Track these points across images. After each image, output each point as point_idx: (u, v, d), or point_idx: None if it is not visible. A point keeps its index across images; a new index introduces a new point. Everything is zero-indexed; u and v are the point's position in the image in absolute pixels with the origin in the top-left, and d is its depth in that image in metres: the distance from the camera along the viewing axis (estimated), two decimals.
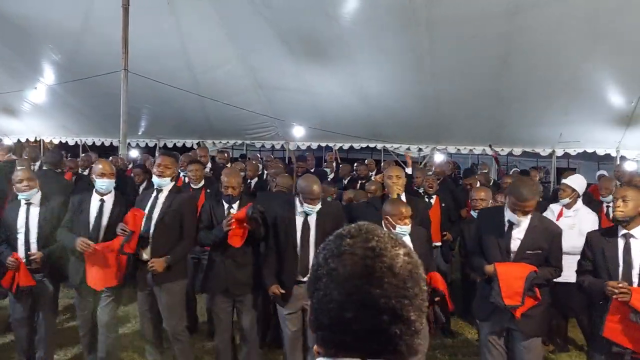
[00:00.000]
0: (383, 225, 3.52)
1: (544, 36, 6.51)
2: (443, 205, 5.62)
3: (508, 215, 3.37)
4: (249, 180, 7.11)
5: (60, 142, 12.18)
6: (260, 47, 8.08)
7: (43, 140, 12.32)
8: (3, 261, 3.86)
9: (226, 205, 3.99)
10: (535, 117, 8.28)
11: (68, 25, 8.16)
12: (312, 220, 3.79)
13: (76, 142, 12.33)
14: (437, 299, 3.44)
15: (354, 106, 8.89)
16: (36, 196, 3.96)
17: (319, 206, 3.74)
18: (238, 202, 3.97)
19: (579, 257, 3.47)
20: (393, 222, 3.48)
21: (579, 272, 3.43)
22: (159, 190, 3.97)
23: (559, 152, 9.41)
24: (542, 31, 6.44)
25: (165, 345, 4.19)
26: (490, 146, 9.41)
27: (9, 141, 12.00)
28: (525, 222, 3.36)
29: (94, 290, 3.90)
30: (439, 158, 9.83)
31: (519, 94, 7.69)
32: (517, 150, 9.71)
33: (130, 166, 7.53)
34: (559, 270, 3.45)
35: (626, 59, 6.71)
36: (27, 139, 12.46)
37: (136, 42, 7.34)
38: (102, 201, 3.94)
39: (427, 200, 5.53)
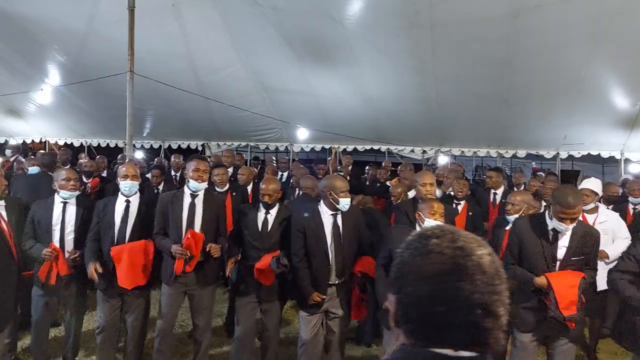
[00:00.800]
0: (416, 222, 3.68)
1: (546, 38, 6.51)
2: (470, 213, 5.40)
3: (553, 224, 3.30)
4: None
5: (66, 143, 12.23)
6: (265, 50, 8.11)
7: (48, 141, 12.38)
8: (34, 255, 3.90)
9: (263, 211, 4.04)
10: (539, 119, 8.27)
11: (73, 27, 8.20)
12: (339, 222, 3.87)
13: (81, 143, 12.40)
14: None
15: (357, 108, 8.91)
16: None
17: (348, 200, 3.82)
18: (277, 207, 4.07)
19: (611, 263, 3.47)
20: (424, 217, 3.55)
21: (621, 271, 3.35)
22: (195, 195, 4.00)
23: (563, 154, 9.40)
24: (545, 33, 6.43)
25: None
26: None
27: (13, 142, 12.11)
28: (569, 229, 3.29)
29: (121, 293, 3.98)
30: (442, 160, 9.84)
31: (523, 96, 7.69)
32: (522, 153, 9.71)
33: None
34: (595, 272, 3.46)
35: (630, 61, 6.69)
36: (33, 140, 12.54)
37: (141, 44, 7.36)
38: (128, 202, 4.03)
39: (454, 206, 5.38)
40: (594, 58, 6.70)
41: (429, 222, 3.48)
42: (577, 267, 3.30)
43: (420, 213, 3.62)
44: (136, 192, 4.10)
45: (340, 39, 7.32)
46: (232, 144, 11.49)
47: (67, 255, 3.95)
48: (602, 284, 4.08)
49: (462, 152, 10.19)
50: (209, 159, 6.24)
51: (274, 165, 8.55)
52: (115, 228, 3.95)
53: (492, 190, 6.28)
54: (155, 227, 3.98)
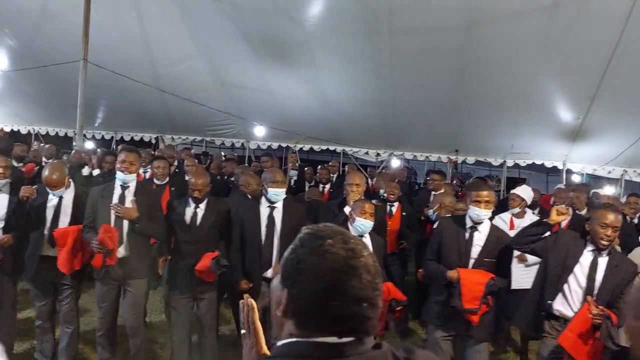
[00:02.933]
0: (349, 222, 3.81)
1: (498, 50, 6.78)
2: (404, 214, 5.62)
3: (470, 213, 3.55)
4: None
5: (12, 130, 11.75)
6: (224, 45, 8.08)
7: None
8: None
9: (193, 205, 4.03)
10: (489, 128, 8.58)
11: (26, 9, 7.93)
12: (278, 215, 3.96)
13: (29, 130, 11.94)
14: (398, 308, 3.60)
15: (315, 109, 9.00)
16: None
17: (283, 190, 3.92)
18: (206, 201, 4.05)
19: (531, 266, 3.65)
20: (354, 216, 3.70)
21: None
22: (125, 187, 3.93)
23: (510, 163, 9.78)
24: (497, 45, 6.70)
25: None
26: (456, 151, 9.63)
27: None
28: (485, 229, 3.53)
29: (53, 283, 3.93)
30: (395, 163, 10.05)
31: (474, 104, 7.96)
32: (471, 159, 10.03)
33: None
34: (508, 281, 3.66)
35: (575, 76, 7.03)
36: None
37: (97, 32, 7.20)
38: (61, 198, 3.97)
39: (388, 208, 5.57)
40: (542, 71, 7.02)
41: (360, 221, 3.71)
42: (489, 268, 3.49)
43: (352, 212, 3.81)
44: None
45: (299, 39, 7.39)
46: (187, 137, 11.36)
47: None
48: (518, 283, 4.36)
49: (415, 156, 10.43)
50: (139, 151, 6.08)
51: (221, 160, 8.43)
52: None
53: (433, 192, 6.51)
54: (85, 220, 3.89)
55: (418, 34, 6.81)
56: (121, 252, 3.86)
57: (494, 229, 3.63)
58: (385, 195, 5.73)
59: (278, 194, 3.95)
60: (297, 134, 9.51)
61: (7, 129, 11.76)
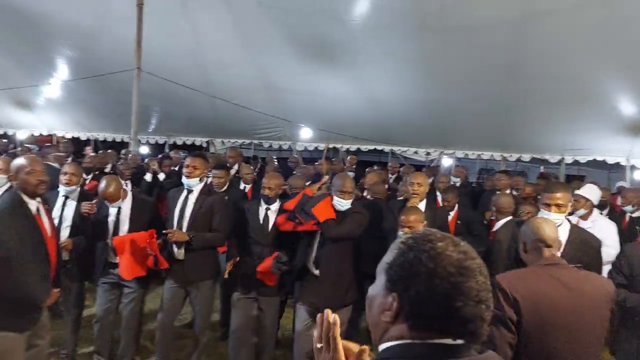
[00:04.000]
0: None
1: (553, 44, 6.50)
2: (459, 222, 5.30)
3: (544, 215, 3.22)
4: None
5: (73, 137, 12.34)
6: (271, 49, 8.15)
7: (55, 134, 12.49)
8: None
9: (264, 206, 4.08)
10: (544, 124, 8.25)
11: (84, 22, 8.30)
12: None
13: (88, 137, 12.50)
14: None
15: (362, 109, 8.94)
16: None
17: (349, 202, 3.77)
18: (277, 203, 4.10)
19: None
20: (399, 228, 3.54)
21: None
22: (190, 191, 4.05)
23: (568, 159, 9.36)
24: (552, 39, 6.44)
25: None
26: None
27: (22, 134, 12.24)
28: (563, 235, 3.14)
29: (118, 285, 4.06)
30: (447, 162, 9.84)
31: (528, 100, 7.68)
32: (526, 157, 9.69)
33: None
34: None
35: (636, 68, 6.69)
36: (41, 133, 12.66)
37: (149, 41, 7.44)
38: (119, 207, 4.07)
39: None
40: (601, 64, 6.69)
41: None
42: None
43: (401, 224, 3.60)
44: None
45: (346, 39, 7.35)
46: (235, 141, 11.55)
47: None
48: None
49: (466, 154, 10.18)
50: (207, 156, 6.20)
51: (275, 163, 8.55)
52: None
53: (497, 192, 6.25)
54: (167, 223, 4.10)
55: (469, 30, 6.63)
56: (181, 254, 3.97)
57: (575, 232, 3.27)
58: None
59: (343, 204, 3.76)
60: (342, 134, 9.44)
61: (68, 136, 12.35)
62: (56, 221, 3.90)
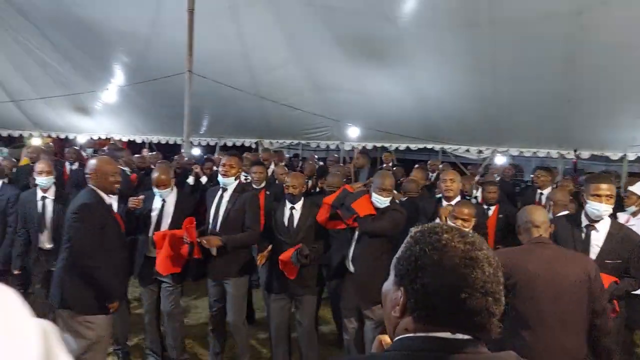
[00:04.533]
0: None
1: (612, 36, 6.16)
2: (500, 216, 5.21)
3: (588, 210, 3.27)
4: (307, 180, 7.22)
5: (129, 140, 12.81)
6: (318, 49, 8.16)
7: (113, 137, 13.00)
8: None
9: (289, 205, 4.11)
10: (605, 119, 7.83)
11: (138, 29, 8.59)
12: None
13: (143, 140, 12.93)
14: None
15: (410, 107, 8.80)
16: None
17: (387, 200, 3.80)
18: (301, 201, 4.13)
19: None
20: (449, 221, 3.49)
21: None
22: (224, 189, 4.15)
23: (631, 156, 8.86)
24: (610, 31, 6.10)
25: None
26: (575, 151, 8.95)
27: (81, 138, 12.80)
28: (604, 228, 3.22)
29: (158, 281, 4.18)
30: (500, 160, 9.54)
31: (587, 95, 7.31)
32: (585, 154, 9.24)
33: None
34: (636, 282, 3.25)
35: None
36: (99, 137, 13.21)
37: (199, 45, 7.60)
38: (164, 201, 4.22)
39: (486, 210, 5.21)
40: None
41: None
42: (613, 272, 3.11)
43: (447, 217, 3.58)
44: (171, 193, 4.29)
45: (393, 37, 7.25)
46: (284, 141, 11.63)
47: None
48: None
49: (521, 152, 9.82)
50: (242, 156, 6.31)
51: (313, 164, 8.50)
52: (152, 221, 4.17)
53: (539, 190, 6.07)
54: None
55: (521, 23, 6.39)
56: (214, 251, 4.03)
57: (616, 226, 3.26)
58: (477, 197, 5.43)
59: (381, 202, 3.78)
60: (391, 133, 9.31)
61: (125, 139, 12.84)
62: None
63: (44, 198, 4.59)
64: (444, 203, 4.30)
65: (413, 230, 1.10)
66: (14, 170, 6.51)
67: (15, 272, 4.63)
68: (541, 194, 6.03)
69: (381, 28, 7.18)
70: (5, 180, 5.15)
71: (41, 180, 4.52)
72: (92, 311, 3.26)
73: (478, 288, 0.98)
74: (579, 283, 2.56)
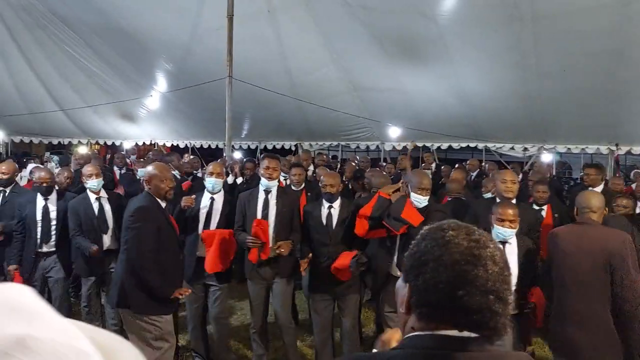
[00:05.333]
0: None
1: None
2: (556, 215, 5.08)
3: None
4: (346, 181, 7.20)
5: (172, 145, 13.11)
6: (356, 49, 8.12)
7: (157, 143, 13.34)
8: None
9: (327, 204, 4.10)
10: None
11: (178, 37, 8.77)
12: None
13: (186, 144, 13.21)
14: (526, 310, 3.30)
15: (452, 105, 8.64)
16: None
17: (426, 199, 3.75)
18: (338, 201, 4.12)
19: None
20: (493, 222, 3.39)
21: None
22: (268, 192, 4.16)
23: None
24: None
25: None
26: (617, 145, 8.59)
27: (127, 144, 13.17)
28: None
29: (205, 285, 4.24)
30: (547, 158, 9.24)
31: (636, 88, 7.01)
32: (637, 149, 8.84)
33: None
34: None
35: None
36: (144, 142, 13.58)
37: (239, 50, 7.69)
38: (212, 199, 4.29)
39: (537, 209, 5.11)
40: None
41: (497, 229, 3.33)
42: None
43: (493, 217, 3.43)
44: (220, 190, 4.36)
45: (433, 35, 7.14)
46: (323, 143, 11.64)
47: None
48: None
49: (568, 149, 9.49)
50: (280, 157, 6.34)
51: (354, 165, 8.44)
52: (199, 223, 4.23)
53: (590, 188, 5.83)
54: (235, 224, 4.17)
55: (565, 16, 6.19)
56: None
57: None
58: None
59: (420, 201, 3.74)
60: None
61: (168, 144, 13.14)
62: None
63: (99, 199, 4.71)
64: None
65: (426, 227, 1.10)
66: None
67: (92, 279, 4.74)
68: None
69: (420, 26, 7.08)
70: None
71: (91, 183, 4.66)
72: (150, 312, 3.34)
73: (478, 286, 0.97)
74: (601, 256, 2.91)
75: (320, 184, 4.28)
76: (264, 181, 4.15)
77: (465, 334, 0.98)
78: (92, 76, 10.78)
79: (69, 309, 4.99)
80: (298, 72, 8.97)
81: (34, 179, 5.15)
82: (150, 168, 3.64)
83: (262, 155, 4.48)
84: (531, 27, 6.49)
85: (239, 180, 6.89)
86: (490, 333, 0.99)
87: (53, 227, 4.78)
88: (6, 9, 9.33)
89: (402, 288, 1.09)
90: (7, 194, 5.12)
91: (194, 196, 4.30)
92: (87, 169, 4.78)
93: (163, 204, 3.56)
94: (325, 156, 9.34)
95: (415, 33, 7.26)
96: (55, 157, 11.68)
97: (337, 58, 8.56)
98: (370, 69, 8.49)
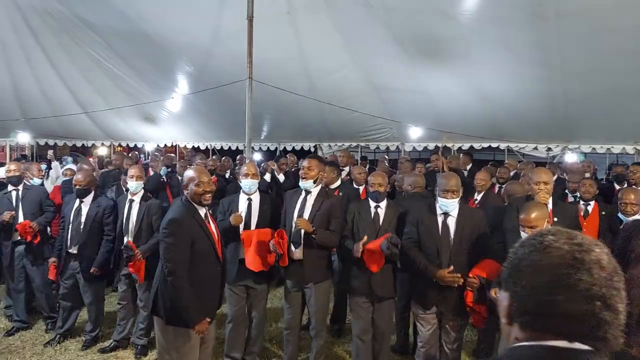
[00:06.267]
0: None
1: None
2: (603, 213, 4.98)
3: None
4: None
5: (193, 146, 13.23)
6: (376, 50, 8.08)
7: (178, 145, 13.47)
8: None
9: (373, 204, 4.09)
10: None
11: (199, 39, 8.84)
12: (452, 222, 3.71)
13: (207, 146, 13.31)
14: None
15: (474, 105, 8.54)
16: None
17: (455, 201, 3.66)
18: (385, 201, 4.11)
19: None
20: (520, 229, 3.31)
21: None
22: (308, 192, 4.17)
23: None
24: None
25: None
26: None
27: (149, 146, 13.33)
28: None
29: (246, 287, 4.28)
30: (571, 158, 9.07)
31: None
32: None
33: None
34: None
35: None
36: (165, 144, 13.73)
37: (259, 52, 7.71)
38: (250, 200, 4.31)
39: (584, 207, 5.06)
40: None
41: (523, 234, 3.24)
42: None
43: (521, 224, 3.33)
44: (256, 190, 4.36)
45: (454, 35, 7.07)
46: (342, 144, 11.62)
47: None
48: None
49: (593, 148, 9.29)
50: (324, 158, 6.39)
51: (386, 164, 8.47)
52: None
53: (634, 187, 5.70)
54: (280, 224, 4.25)
55: (590, 13, 6.08)
56: (298, 253, 4.07)
57: None
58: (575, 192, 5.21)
59: (447, 205, 3.69)
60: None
61: (190, 146, 13.26)
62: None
63: (131, 202, 4.80)
64: None
65: (526, 235, 1.09)
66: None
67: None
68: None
69: (441, 26, 7.02)
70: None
71: (131, 184, 4.77)
72: (180, 324, 3.28)
73: (581, 290, 0.91)
74: None
75: (367, 184, 4.27)
76: (300, 181, 4.20)
77: (577, 345, 0.92)
78: (115, 79, 10.93)
79: (101, 309, 5.11)
80: (318, 73, 8.97)
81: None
82: (188, 172, 3.53)
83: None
84: (555, 25, 6.38)
85: (281, 177, 6.96)
86: (599, 344, 0.93)
87: (81, 230, 4.86)
88: (32, 14, 9.51)
89: (502, 298, 1.05)
90: (20, 191, 5.32)
91: (240, 212, 4.24)
92: (132, 171, 4.89)
93: (202, 211, 3.41)
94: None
95: (436, 32, 7.20)
96: (70, 159, 11.90)
97: (357, 59, 8.54)
98: (390, 69, 8.45)
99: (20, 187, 5.34)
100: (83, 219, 4.85)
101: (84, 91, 11.50)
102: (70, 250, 4.87)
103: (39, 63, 10.71)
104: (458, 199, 3.69)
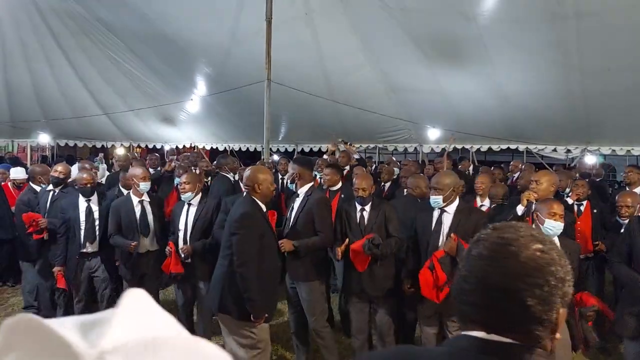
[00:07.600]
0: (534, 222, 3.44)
1: None
2: (595, 211, 5.16)
3: None
4: (382, 184, 7.18)
5: (212, 147, 13.34)
6: (393, 51, 8.09)
7: (197, 146, 13.60)
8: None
9: (359, 207, 4.11)
10: None
11: (218, 41, 8.93)
12: (447, 218, 3.74)
13: (225, 147, 13.41)
14: (589, 314, 3.19)
15: (492, 106, 8.50)
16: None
17: (438, 198, 3.72)
18: (370, 204, 4.12)
19: None
20: (542, 217, 3.34)
21: None
22: (297, 194, 4.25)
23: None
24: None
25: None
26: None
27: (168, 147, 13.48)
28: None
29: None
30: (590, 160, 8.98)
31: None
32: None
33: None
34: None
35: None
36: (184, 145, 13.87)
37: (277, 53, 7.77)
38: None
39: (576, 207, 5.17)
40: None
41: (549, 223, 3.27)
42: None
43: (538, 213, 3.41)
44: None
45: (472, 35, 7.05)
46: (360, 145, 11.62)
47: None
48: None
49: (613, 150, 9.18)
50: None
51: (393, 167, 8.40)
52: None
53: (627, 188, 5.75)
54: None
55: (610, 12, 6.02)
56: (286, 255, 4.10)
57: None
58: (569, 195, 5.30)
59: (431, 201, 3.82)
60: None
61: (207, 147, 13.38)
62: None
63: (141, 202, 4.83)
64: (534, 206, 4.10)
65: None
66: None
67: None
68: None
69: (459, 26, 7.00)
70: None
71: (144, 185, 4.82)
72: (249, 319, 3.34)
73: (488, 282, 0.95)
74: None
75: (353, 187, 4.30)
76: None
77: (494, 337, 0.94)
78: (134, 80, 11.09)
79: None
80: (335, 75, 9.00)
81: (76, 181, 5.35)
82: (248, 171, 3.65)
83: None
84: (574, 25, 6.32)
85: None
86: (520, 338, 0.93)
87: (97, 227, 4.93)
88: (52, 16, 9.68)
89: None
90: (56, 193, 5.37)
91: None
92: (138, 172, 4.93)
93: (264, 208, 3.56)
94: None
95: (454, 33, 7.18)
96: (97, 158, 12.07)
97: (374, 60, 8.55)
98: (408, 71, 8.44)
99: (57, 190, 5.37)
100: (96, 215, 4.92)
101: (104, 92, 11.67)
102: (85, 250, 4.88)
103: (59, 64, 10.88)
104: (442, 196, 3.72)
